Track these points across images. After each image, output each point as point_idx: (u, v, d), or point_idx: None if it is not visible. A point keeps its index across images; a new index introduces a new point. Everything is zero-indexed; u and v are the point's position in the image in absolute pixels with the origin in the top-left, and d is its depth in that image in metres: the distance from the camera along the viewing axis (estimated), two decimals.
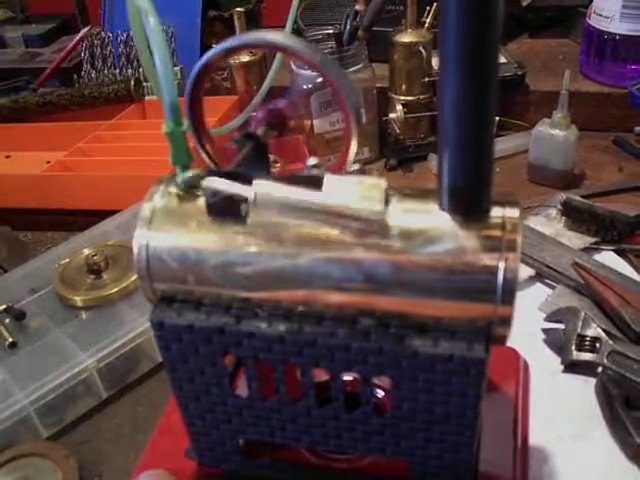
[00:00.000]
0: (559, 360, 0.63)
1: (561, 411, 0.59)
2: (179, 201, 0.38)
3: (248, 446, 0.46)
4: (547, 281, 0.74)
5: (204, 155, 0.43)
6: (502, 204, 0.36)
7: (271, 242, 0.36)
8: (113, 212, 0.87)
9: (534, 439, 0.51)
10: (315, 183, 0.34)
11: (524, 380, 0.55)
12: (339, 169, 0.39)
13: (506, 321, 0.35)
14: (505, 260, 0.34)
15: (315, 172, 0.36)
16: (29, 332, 0.70)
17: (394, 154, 1.03)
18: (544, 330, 0.66)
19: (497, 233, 0.34)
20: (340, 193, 0.33)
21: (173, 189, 0.39)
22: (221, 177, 0.35)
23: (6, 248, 0.94)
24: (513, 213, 0.35)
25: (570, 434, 0.57)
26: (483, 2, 0.28)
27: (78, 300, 0.72)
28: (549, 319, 0.67)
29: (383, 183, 0.33)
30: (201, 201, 0.37)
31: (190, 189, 0.38)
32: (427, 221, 0.35)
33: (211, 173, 0.35)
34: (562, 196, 0.83)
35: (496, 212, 0.35)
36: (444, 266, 0.34)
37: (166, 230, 0.38)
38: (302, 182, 0.34)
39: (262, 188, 0.34)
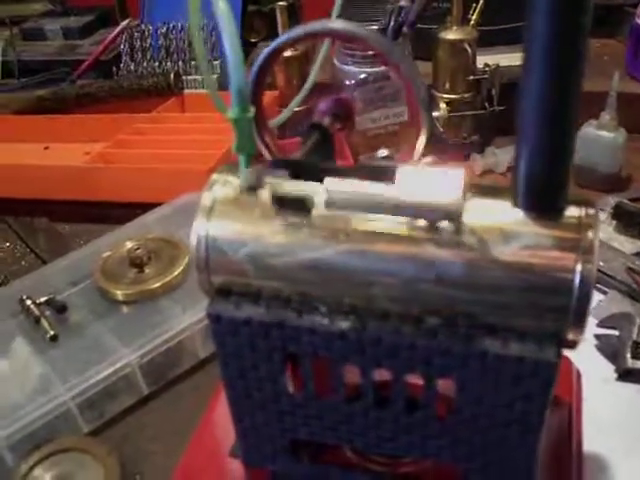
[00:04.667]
0: (612, 368, 0.61)
1: (614, 421, 0.57)
2: (240, 192, 0.37)
3: (291, 447, 0.45)
4: (599, 286, 0.72)
5: (262, 146, 0.42)
6: (578, 203, 0.34)
7: (337, 236, 0.35)
8: (152, 205, 0.85)
9: (586, 449, 0.49)
10: (387, 174, 0.32)
11: (577, 389, 0.53)
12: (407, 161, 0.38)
13: (580, 325, 0.34)
14: (582, 261, 0.32)
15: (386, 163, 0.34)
16: (70, 325, 0.69)
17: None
18: (596, 336, 0.64)
19: (574, 233, 0.33)
20: (415, 186, 0.32)
21: (233, 179, 0.37)
22: (288, 167, 0.34)
23: (44, 239, 0.94)
24: (589, 213, 0.34)
25: (624, 446, 0.55)
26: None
27: (120, 294, 0.71)
28: (602, 325, 0.65)
29: (463, 176, 0.32)
30: (263, 191, 0.36)
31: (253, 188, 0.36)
32: (502, 218, 0.34)
33: (278, 163, 0.34)
34: (612, 200, 0.81)
35: (572, 212, 0.34)
36: (519, 264, 0.33)
37: (227, 221, 0.36)
38: (373, 173, 0.33)
39: (333, 187, 0.32)
